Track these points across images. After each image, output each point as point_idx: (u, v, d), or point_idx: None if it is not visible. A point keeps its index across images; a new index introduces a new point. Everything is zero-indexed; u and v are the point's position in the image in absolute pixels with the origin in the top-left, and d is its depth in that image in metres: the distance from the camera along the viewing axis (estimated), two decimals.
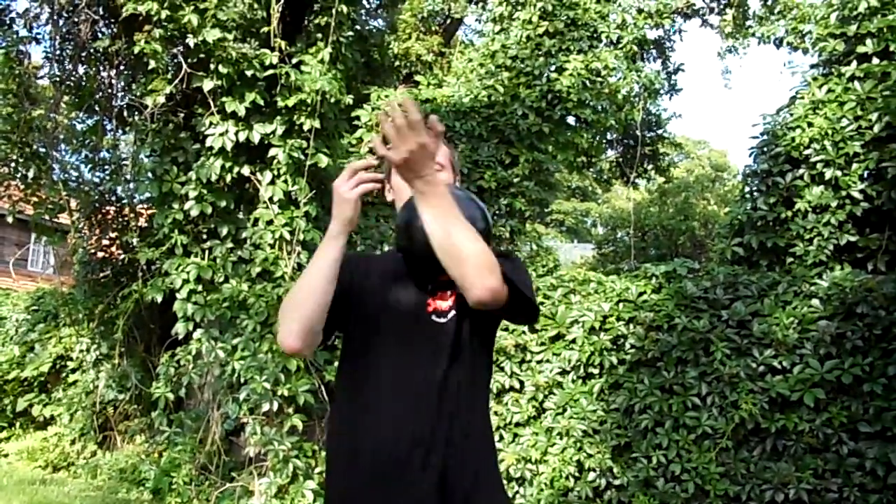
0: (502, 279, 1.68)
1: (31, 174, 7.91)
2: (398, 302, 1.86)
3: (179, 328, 6.53)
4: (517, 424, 5.90)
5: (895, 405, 4.87)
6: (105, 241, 8.38)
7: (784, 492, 5.00)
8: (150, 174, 6.87)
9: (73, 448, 8.58)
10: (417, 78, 9.98)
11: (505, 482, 5.66)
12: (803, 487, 4.95)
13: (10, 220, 8.13)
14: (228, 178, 6.52)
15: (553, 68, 8.98)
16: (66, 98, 8.03)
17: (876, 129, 6.20)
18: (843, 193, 6.26)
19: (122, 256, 8.11)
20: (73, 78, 7.85)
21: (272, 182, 6.46)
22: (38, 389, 9.44)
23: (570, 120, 9.28)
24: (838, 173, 6.27)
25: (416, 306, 1.84)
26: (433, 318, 1.82)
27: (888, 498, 4.82)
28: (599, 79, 9.15)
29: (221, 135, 6.37)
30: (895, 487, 4.79)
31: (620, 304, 5.84)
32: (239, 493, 6.34)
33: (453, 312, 1.82)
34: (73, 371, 8.94)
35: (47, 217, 7.85)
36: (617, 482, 5.48)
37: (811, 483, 4.95)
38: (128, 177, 7.92)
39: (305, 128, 6.39)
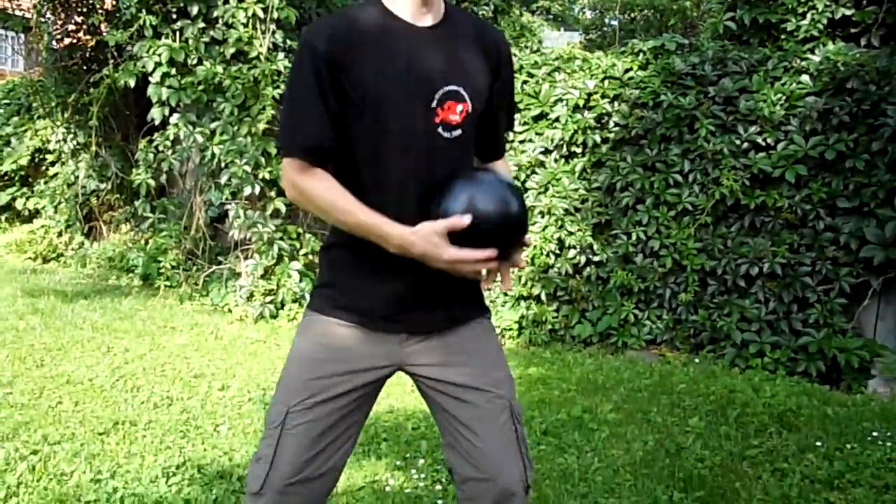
0: None
1: None
2: (403, 102, 1.65)
3: (155, 113, 6.36)
4: None
5: (875, 181, 4.88)
6: (71, 27, 8.01)
7: (759, 266, 5.12)
8: None
9: (60, 240, 8.65)
10: None
11: None
12: (777, 262, 5.06)
13: None
14: None
15: None
16: None
17: None
18: None
19: (91, 41, 7.78)
20: None
21: None
22: (20, 183, 9.41)
23: None
24: None
25: (424, 113, 1.66)
26: (440, 130, 1.66)
27: (857, 271, 4.96)
28: None
29: None
30: (865, 261, 4.91)
31: (606, 82, 5.69)
32: (226, 276, 6.47)
33: (460, 131, 1.68)
34: (53, 164, 8.85)
35: (7, 2, 7.44)
36: (596, 258, 5.60)
37: (786, 257, 5.07)
38: None
39: None
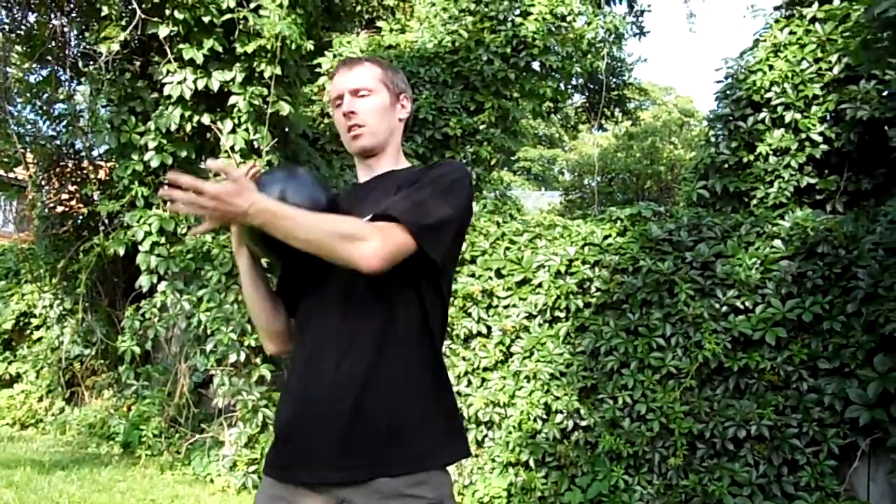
0: (388, 233, 1.70)
1: None
2: None
3: (143, 281, 6.47)
4: (485, 369, 5.95)
5: (853, 342, 4.96)
6: (64, 195, 8.24)
7: (746, 428, 5.10)
8: (107, 125, 6.73)
9: (40, 405, 8.53)
10: (380, 24, 9.80)
11: (473, 426, 5.75)
12: (765, 424, 5.05)
13: None
14: (188, 127, 6.41)
15: (518, 12, 8.86)
16: (17, 48, 7.81)
17: (835, 70, 6.24)
18: (803, 136, 6.32)
19: (83, 210, 7.98)
20: (23, 26, 7.62)
21: (233, 131, 6.36)
22: (3, 347, 9.35)
23: (536, 66, 9.19)
24: (798, 116, 6.31)
25: None
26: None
27: (844, 431, 4.95)
28: (565, 24, 9.05)
29: (180, 83, 6.24)
30: (852, 421, 4.91)
31: (586, 248, 5.86)
32: (209, 444, 6.36)
33: None
34: (38, 328, 8.85)
35: (2, 171, 7.68)
36: (584, 423, 5.56)
37: (772, 419, 5.06)
38: (85, 129, 7.76)
39: (266, 75, 6.27)
